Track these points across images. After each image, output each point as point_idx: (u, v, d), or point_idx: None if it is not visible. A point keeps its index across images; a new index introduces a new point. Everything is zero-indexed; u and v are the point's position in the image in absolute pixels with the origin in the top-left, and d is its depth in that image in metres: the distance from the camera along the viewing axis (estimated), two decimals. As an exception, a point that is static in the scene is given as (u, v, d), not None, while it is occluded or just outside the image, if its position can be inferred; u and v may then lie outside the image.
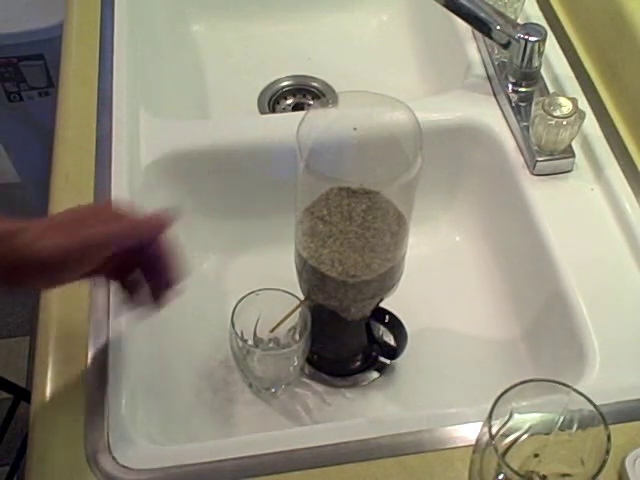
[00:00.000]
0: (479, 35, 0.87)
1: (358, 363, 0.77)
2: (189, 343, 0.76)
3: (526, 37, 0.77)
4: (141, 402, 0.63)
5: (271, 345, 0.73)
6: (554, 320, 0.71)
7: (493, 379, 0.69)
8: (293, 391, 0.75)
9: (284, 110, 1.00)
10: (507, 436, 0.53)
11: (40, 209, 0.72)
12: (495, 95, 0.83)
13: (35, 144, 1.54)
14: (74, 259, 0.52)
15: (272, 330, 0.71)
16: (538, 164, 0.76)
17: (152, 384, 0.67)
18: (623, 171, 0.75)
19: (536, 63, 0.79)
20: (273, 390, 0.74)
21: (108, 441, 0.59)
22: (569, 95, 0.78)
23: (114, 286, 0.60)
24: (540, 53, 0.78)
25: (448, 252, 0.86)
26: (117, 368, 0.63)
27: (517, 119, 0.79)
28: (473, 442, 0.52)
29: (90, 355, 0.63)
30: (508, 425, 0.52)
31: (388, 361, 0.77)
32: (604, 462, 0.48)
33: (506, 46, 0.79)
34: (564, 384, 0.51)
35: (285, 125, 0.71)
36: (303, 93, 1.02)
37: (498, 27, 0.78)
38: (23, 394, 1.32)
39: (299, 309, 0.70)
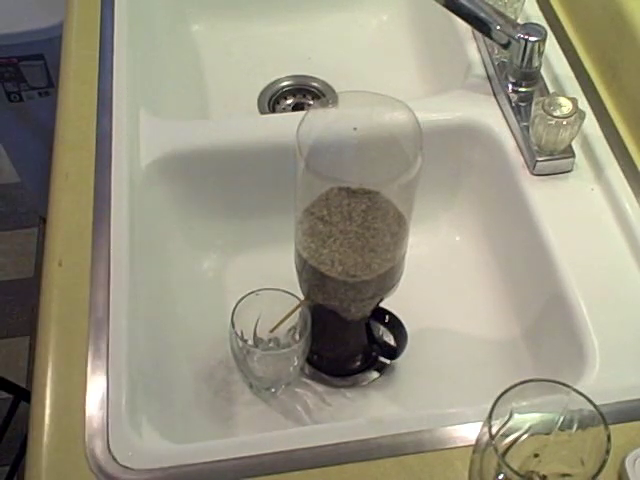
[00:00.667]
0: (479, 35, 0.87)
1: (358, 363, 0.77)
2: (189, 343, 0.76)
3: (526, 37, 0.77)
4: (141, 402, 0.63)
5: (271, 345, 0.73)
6: (554, 320, 0.71)
7: (493, 379, 0.69)
8: (293, 391, 0.75)
9: (284, 110, 1.00)
10: (507, 436, 0.53)
11: (40, 209, 0.72)
12: (495, 95, 0.83)
13: (35, 144, 1.54)
14: None
15: (272, 330, 0.71)
16: (538, 164, 0.76)
17: (152, 384, 0.67)
18: (623, 171, 0.75)
19: (536, 63, 0.79)
20: (273, 390, 0.74)
21: (108, 441, 0.59)
22: (569, 95, 0.78)
23: None
24: (540, 53, 0.78)
25: (448, 252, 0.86)
26: (117, 368, 0.63)
27: (517, 119, 0.79)
28: (473, 442, 0.52)
29: (90, 355, 0.63)
30: (508, 425, 0.52)
31: (388, 361, 0.77)
32: (604, 462, 0.48)
33: (506, 46, 0.79)
34: (564, 384, 0.51)
35: (285, 125, 0.71)
36: (303, 93, 1.02)
37: (498, 27, 0.78)
38: (23, 394, 1.32)
39: (299, 309, 0.70)
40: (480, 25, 0.80)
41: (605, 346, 0.65)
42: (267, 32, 1.07)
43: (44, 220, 1.64)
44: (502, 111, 0.82)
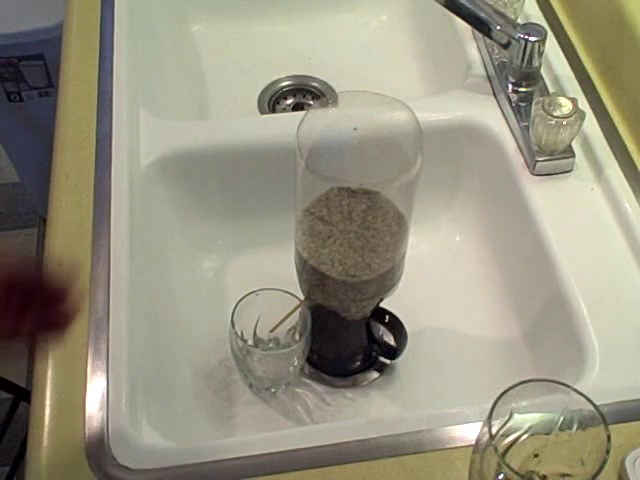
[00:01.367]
0: (479, 35, 0.87)
1: (358, 363, 0.77)
2: (189, 343, 0.76)
3: (526, 37, 0.77)
4: (141, 402, 0.63)
5: (271, 345, 0.73)
6: (554, 320, 0.71)
7: (493, 379, 0.69)
8: (293, 391, 0.75)
9: (284, 110, 1.00)
10: (507, 436, 0.53)
11: (40, 209, 0.72)
12: (495, 95, 0.83)
13: (35, 144, 1.54)
14: None
15: (272, 330, 0.71)
16: (538, 164, 0.76)
17: (152, 384, 0.67)
18: (623, 171, 0.75)
19: (536, 63, 0.79)
20: (273, 390, 0.74)
21: (108, 441, 0.59)
22: (569, 95, 0.78)
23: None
24: (540, 53, 0.78)
25: (448, 252, 0.86)
26: (117, 368, 0.63)
27: (517, 119, 0.79)
28: (473, 442, 0.52)
29: (90, 355, 0.63)
30: (508, 425, 0.52)
31: (388, 361, 0.77)
32: (604, 462, 0.48)
33: (506, 46, 0.79)
34: (564, 384, 0.51)
35: (285, 125, 0.71)
36: (303, 93, 1.02)
37: (498, 27, 0.78)
38: (23, 394, 1.31)
39: (299, 309, 0.70)
40: (480, 25, 0.80)
41: (605, 346, 0.65)
42: (267, 32, 1.07)
43: (44, 220, 1.63)
44: (502, 111, 0.82)
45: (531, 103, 0.78)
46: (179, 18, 1.06)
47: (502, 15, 0.79)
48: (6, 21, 1.37)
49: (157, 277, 0.76)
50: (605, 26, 0.82)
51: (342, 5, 1.09)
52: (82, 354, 0.63)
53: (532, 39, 0.77)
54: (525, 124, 0.78)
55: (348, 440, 0.59)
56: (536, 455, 0.54)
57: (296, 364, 0.71)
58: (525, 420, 0.53)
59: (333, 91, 1.01)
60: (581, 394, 0.50)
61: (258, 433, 0.71)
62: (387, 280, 0.66)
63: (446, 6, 0.80)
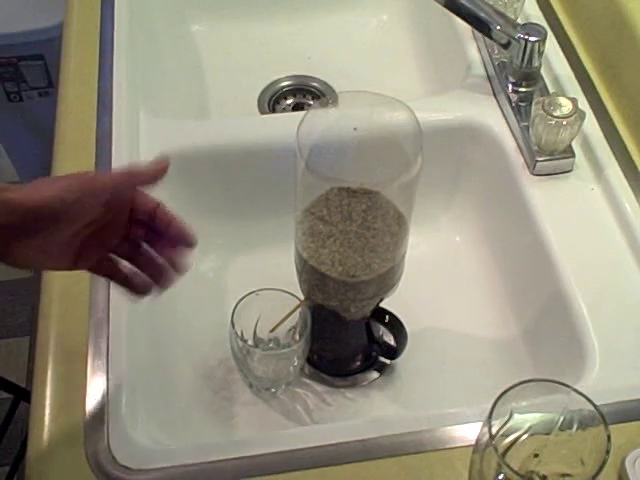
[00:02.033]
0: (479, 35, 0.87)
1: (358, 363, 0.77)
2: (189, 343, 0.76)
3: (526, 37, 0.77)
4: (141, 402, 0.63)
5: (271, 345, 0.73)
6: (554, 320, 0.71)
7: (493, 379, 0.69)
8: (293, 391, 0.75)
9: (284, 110, 1.00)
10: (507, 436, 0.53)
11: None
12: (495, 95, 0.83)
13: (35, 144, 1.54)
14: (69, 203, 0.49)
15: (272, 330, 0.71)
16: (538, 164, 0.76)
17: (152, 384, 0.67)
18: (623, 171, 0.76)
19: (536, 63, 0.79)
20: (273, 390, 0.74)
21: (108, 441, 0.59)
22: (569, 95, 0.78)
23: (114, 270, 0.57)
24: (540, 53, 0.78)
25: (448, 252, 0.86)
26: (117, 368, 0.63)
27: (517, 119, 0.79)
28: (473, 442, 0.52)
29: (90, 355, 0.63)
30: (508, 425, 0.52)
31: (388, 361, 0.77)
32: (604, 462, 0.48)
33: (506, 46, 0.79)
34: (564, 384, 0.51)
35: (285, 125, 0.71)
36: (303, 93, 1.02)
37: (498, 27, 0.78)
38: (23, 394, 1.31)
39: (299, 309, 0.70)
40: (480, 25, 0.80)
41: (605, 346, 0.65)
42: (267, 32, 1.07)
43: (44, 220, 1.63)
44: (502, 111, 0.82)
45: (531, 103, 0.78)
46: (179, 18, 1.06)
47: (502, 15, 0.79)
48: (6, 21, 1.37)
49: (157, 277, 0.76)
50: (605, 26, 0.82)
51: (342, 5, 1.09)
52: (82, 354, 0.63)
53: (532, 39, 0.77)
54: (525, 124, 0.78)
55: (348, 440, 0.59)
56: (536, 455, 0.54)
57: (296, 364, 0.71)
58: (525, 420, 0.53)
59: (333, 91, 1.01)
60: (581, 394, 0.50)
61: (258, 433, 0.71)
62: (387, 280, 0.66)
63: (446, 6, 0.80)
